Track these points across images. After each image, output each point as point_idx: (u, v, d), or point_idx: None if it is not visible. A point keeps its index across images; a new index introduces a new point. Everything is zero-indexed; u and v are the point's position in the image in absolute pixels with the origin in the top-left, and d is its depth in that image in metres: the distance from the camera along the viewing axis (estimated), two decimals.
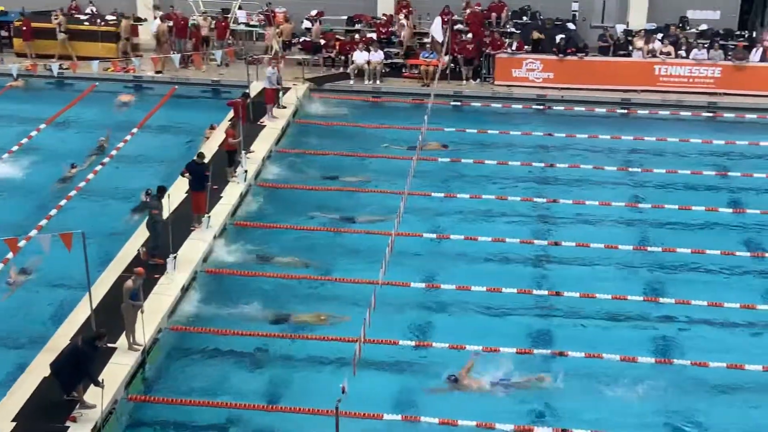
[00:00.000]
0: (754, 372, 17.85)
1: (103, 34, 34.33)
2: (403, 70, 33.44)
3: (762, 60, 31.59)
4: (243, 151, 24.96)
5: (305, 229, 22.97)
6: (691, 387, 17.62)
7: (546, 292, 20.48)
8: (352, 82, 32.54)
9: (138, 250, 20.49)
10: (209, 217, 21.95)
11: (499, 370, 17.52)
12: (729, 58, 31.82)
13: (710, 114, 30.97)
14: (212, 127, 27.68)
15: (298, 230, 22.93)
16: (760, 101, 31.07)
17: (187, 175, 21.71)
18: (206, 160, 22.34)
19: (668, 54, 31.91)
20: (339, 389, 14.30)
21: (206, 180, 21.66)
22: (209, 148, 26.01)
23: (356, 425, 15.98)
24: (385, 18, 34.71)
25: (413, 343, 18.61)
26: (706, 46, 32.10)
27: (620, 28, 33.77)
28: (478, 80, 32.74)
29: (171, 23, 33.64)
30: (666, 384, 17.63)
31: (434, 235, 22.83)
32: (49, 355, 16.64)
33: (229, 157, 24.60)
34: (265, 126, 28.30)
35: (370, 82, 32.52)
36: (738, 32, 33.91)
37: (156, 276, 19.73)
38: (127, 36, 34.22)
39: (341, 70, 33.33)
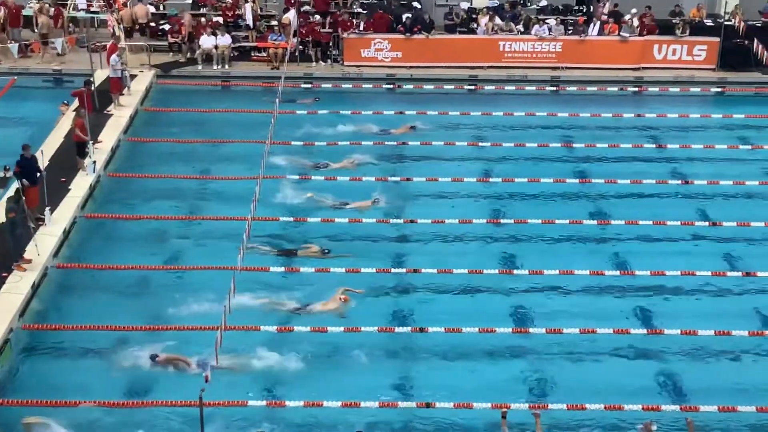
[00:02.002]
0: (605, 335, 18.53)
1: None
2: (252, 54, 33.14)
3: (600, 34, 32.68)
4: (91, 142, 24.27)
5: (158, 219, 22.55)
6: (547, 353, 18.20)
7: (404, 270, 20.72)
8: (200, 67, 32.04)
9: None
10: (49, 209, 21.25)
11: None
12: (569, 33, 32.80)
13: (554, 88, 31.88)
14: (65, 104, 26.89)
15: (151, 220, 22.49)
16: (600, 74, 32.14)
17: (24, 181, 20.80)
18: (33, 153, 21.57)
19: (510, 30, 32.68)
20: (202, 379, 14.17)
21: (36, 172, 20.90)
22: (60, 134, 25.35)
23: (221, 413, 15.88)
24: (230, 1, 34.24)
25: (275, 329, 18.54)
26: (546, 21, 32.99)
27: (464, 5, 34.31)
28: (328, 61, 32.75)
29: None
30: (522, 351, 18.18)
31: (291, 218, 22.78)
32: None
33: (77, 147, 23.92)
34: (112, 115, 27.58)
35: (219, 67, 32.08)
36: (576, 7, 34.98)
37: (4, 275, 19.03)
38: None
39: (188, 55, 32.76)
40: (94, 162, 23.91)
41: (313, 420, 16.27)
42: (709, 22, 33.35)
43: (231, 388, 16.49)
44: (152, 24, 33.23)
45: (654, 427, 14.43)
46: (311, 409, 16.36)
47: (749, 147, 27.19)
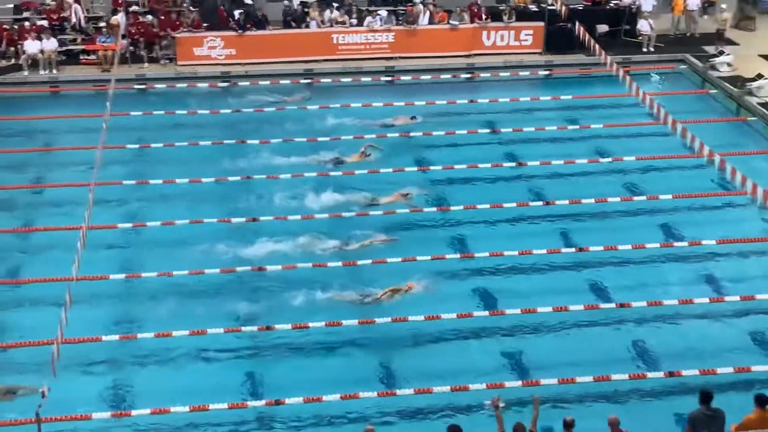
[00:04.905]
0: (449, 320, 18.86)
1: None
2: (81, 57, 32.26)
3: (430, 23, 33.21)
4: None
5: None
6: (393, 341, 18.45)
7: (249, 268, 20.57)
8: (26, 73, 30.96)
9: None
10: None
11: None
12: (400, 23, 33.22)
13: (389, 78, 32.23)
14: None
15: None
16: (433, 62, 32.68)
17: None
18: None
19: (343, 23, 32.87)
20: (39, 394, 13.76)
21: None
22: None
23: (64, 428, 15.45)
24: (55, 3, 33.19)
25: (117, 337, 18.15)
26: (378, 12, 33.28)
27: (296, 0, 34.26)
28: (161, 61, 32.18)
29: None
30: (368, 342, 18.42)
31: (130, 224, 22.30)
32: None
33: None
34: None
35: (46, 72, 31.08)
36: None
37: None
38: None
39: (12, 61, 31.62)
40: None
41: (162, 427, 16.02)
42: (533, 8, 34.31)
43: (72, 401, 16.06)
44: None
45: (501, 404, 14.79)
46: (158, 416, 16.09)
47: (577, 127, 28.16)
